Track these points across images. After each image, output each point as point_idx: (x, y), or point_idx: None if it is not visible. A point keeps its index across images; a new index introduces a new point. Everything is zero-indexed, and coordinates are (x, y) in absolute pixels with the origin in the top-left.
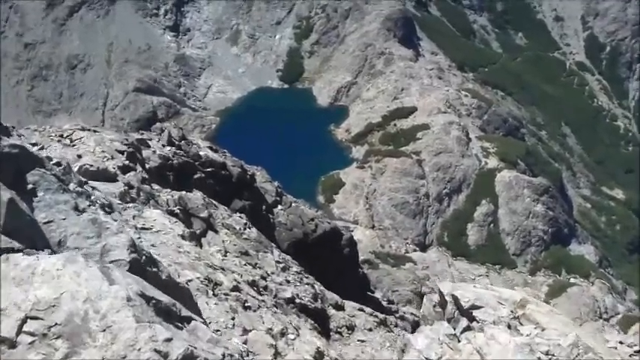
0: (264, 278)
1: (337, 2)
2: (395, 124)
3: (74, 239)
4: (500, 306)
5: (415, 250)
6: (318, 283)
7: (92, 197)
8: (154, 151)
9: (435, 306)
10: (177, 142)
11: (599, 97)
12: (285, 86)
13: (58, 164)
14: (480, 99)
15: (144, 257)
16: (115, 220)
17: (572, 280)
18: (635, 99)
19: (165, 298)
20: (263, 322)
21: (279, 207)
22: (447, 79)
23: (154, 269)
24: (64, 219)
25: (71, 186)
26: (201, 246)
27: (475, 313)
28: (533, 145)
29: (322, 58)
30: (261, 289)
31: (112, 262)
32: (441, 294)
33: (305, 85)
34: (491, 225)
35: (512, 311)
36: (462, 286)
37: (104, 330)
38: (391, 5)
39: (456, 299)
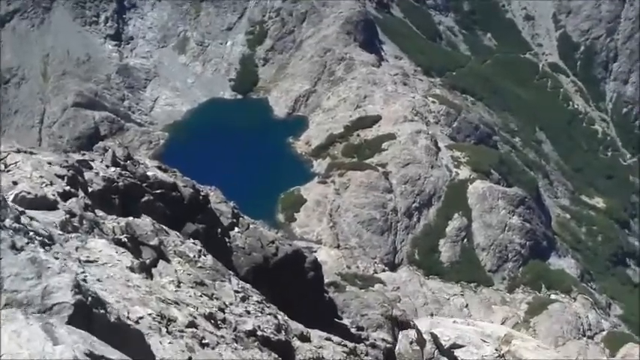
0: (222, 310)
1: (292, 5)
2: (358, 135)
3: (12, 281)
4: (483, 344)
5: (384, 270)
6: (282, 313)
7: (30, 233)
8: (97, 173)
9: (412, 343)
10: (122, 162)
11: (575, 100)
12: (239, 97)
13: None
14: (449, 105)
15: (90, 298)
16: (57, 258)
17: (552, 297)
18: (612, 101)
19: (115, 356)
20: None
21: (236, 229)
22: (412, 84)
23: (101, 311)
24: (0, 259)
25: (7, 222)
26: (152, 277)
27: (457, 352)
28: (507, 153)
29: (278, 65)
30: (219, 323)
31: (54, 305)
32: (419, 332)
33: (260, 95)
34: (465, 240)
35: (496, 349)
36: (441, 322)
37: None
38: (350, 7)
39: (435, 337)
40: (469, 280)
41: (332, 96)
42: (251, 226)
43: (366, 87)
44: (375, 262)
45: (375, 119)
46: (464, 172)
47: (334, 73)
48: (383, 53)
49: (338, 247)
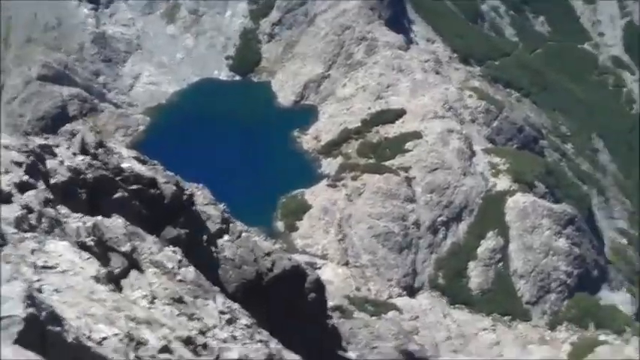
0: (203, 333)
1: None
2: (378, 131)
3: None
4: None
5: (401, 295)
6: (275, 340)
7: None
8: (62, 162)
9: None
10: (92, 150)
11: None
12: (237, 78)
13: None
14: (489, 101)
15: (44, 313)
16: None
17: (601, 337)
18: None
19: None
20: None
21: (226, 237)
22: (446, 74)
23: (57, 328)
24: None
25: None
26: (121, 290)
27: None
28: (556, 162)
29: (285, 43)
30: (198, 349)
31: (1, 319)
32: None
33: (262, 78)
34: (500, 264)
35: None
36: None
37: None
38: None
39: None
40: (502, 313)
41: (348, 83)
42: (243, 234)
43: (389, 74)
44: (391, 285)
45: (399, 113)
46: (502, 183)
47: (352, 56)
48: (412, 34)
49: (347, 264)
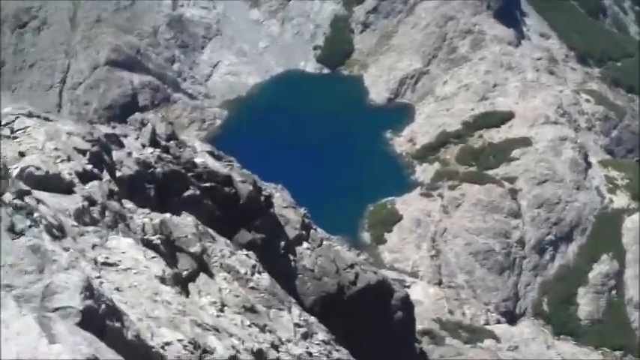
0: (275, 347)
1: None
2: (481, 136)
3: (5, 273)
4: None
5: (499, 322)
6: None
7: (36, 215)
8: (130, 153)
9: None
10: (163, 143)
11: None
12: (325, 71)
13: None
14: (608, 106)
15: (103, 306)
16: (67, 250)
17: None
18: None
19: None
20: None
21: (305, 245)
22: (561, 74)
23: (117, 324)
24: None
25: (6, 196)
26: (188, 294)
27: None
28: None
29: (381, 33)
30: None
31: (56, 309)
32: None
33: (354, 72)
34: (614, 292)
35: None
36: None
37: None
38: None
39: None
40: (613, 347)
41: (450, 80)
42: (325, 242)
43: (497, 72)
44: (488, 310)
45: (506, 117)
46: (620, 200)
47: (456, 50)
48: (524, 28)
49: (439, 283)
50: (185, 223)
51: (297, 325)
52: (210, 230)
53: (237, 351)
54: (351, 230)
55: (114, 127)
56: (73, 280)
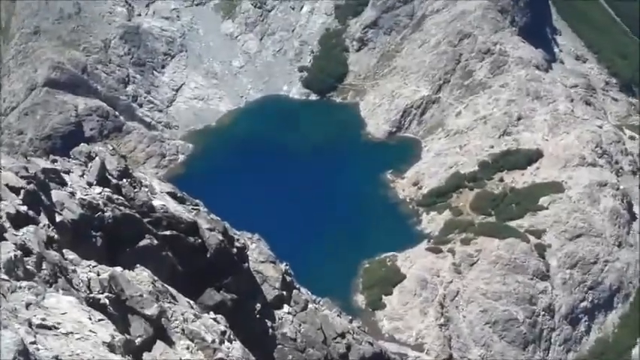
0: None
1: None
2: (502, 179)
3: None
4: None
5: None
6: None
7: None
8: (73, 193)
9: None
10: (114, 181)
11: None
12: (313, 97)
13: None
14: None
15: None
16: None
17: None
18: None
19: None
20: None
21: (286, 308)
22: (600, 105)
23: None
24: None
25: None
26: None
27: None
28: None
29: (381, 53)
30: None
31: None
32: None
33: (348, 99)
34: None
35: None
36: None
37: None
38: None
39: None
40: None
41: (464, 111)
42: (310, 305)
43: (522, 102)
44: None
45: (533, 156)
46: None
47: (472, 75)
48: (556, 49)
49: (450, 359)
50: (140, 280)
51: None
52: (171, 288)
53: None
54: (342, 291)
55: (54, 162)
56: (4, 343)
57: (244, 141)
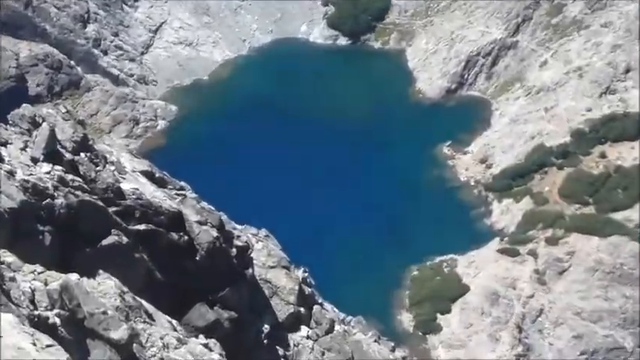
0: None
1: None
2: (603, 154)
3: None
4: None
5: None
6: None
7: None
8: (12, 173)
9: None
10: (69, 156)
11: None
12: (342, 42)
13: None
14: None
15: None
16: None
17: None
18: None
19: None
20: None
21: (304, 331)
22: None
23: None
24: None
25: None
26: None
27: None
28: None
29: None
30: None
31: None
32: None
33: (390, 45)
34: None
35: None
36: None
37: None
38: None
39: None
40: None
41: (551, 60)
42: (338, 327)
43: (632, 47)
44: None
45: None
46: None
47: (563, 10)
48: None
49: None
50: (103, 291)
51: None
52: (146, 303)
53: None
54: (381, 308)
55: None
56: None
57: (247, 102)
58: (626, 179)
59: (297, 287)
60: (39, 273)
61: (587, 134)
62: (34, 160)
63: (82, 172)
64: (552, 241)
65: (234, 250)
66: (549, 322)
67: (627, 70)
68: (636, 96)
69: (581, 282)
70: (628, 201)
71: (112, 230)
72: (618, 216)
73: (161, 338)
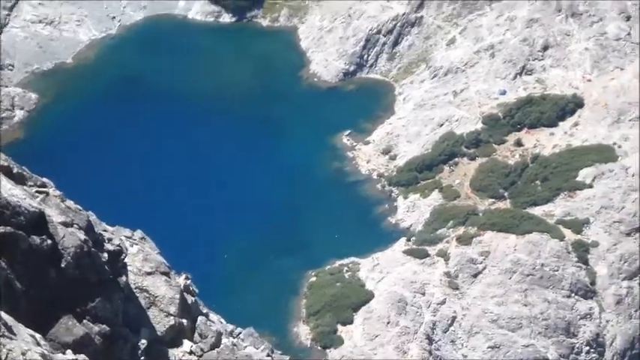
0: None
1: None
2: (519, 143)
3: None
4: None
5: None
6: None
7: None
8: None
9: None
10: None
11: None
12: (226, 20)
13: None
14: None
15: None
16: None
17: None
18: None
19: None
20: None
21: (187, 346)
22: None
23: None
24: None
25: None
26: None
27: None
28: None
29: None
30: None
31: None
32: None
33: (279, 22)
34: None
35: None
36: None
37: None
38: None
39: None
40: None
41: (460, 38)
42: (225, 340)
43: (551, 21)
44: None
45: (568, 106)
46: None
47: None
48: None
49: None
50: None
51: None
52: (5, 315)
53: None
54: (275, 319)
55: None
56: None
57: (116, 88)
58: (545, 170)
59: (178, 296)
60: None
61: (502, 120)
62: None
63: None
64: (464, 241)
65: (105, 255)
66: (463, 331)
67: (545, 47)
68: (556, 76)
69: (497, 285)
70: (548, 194)
71: None
72: (537, 211)
73: (23, 354)
